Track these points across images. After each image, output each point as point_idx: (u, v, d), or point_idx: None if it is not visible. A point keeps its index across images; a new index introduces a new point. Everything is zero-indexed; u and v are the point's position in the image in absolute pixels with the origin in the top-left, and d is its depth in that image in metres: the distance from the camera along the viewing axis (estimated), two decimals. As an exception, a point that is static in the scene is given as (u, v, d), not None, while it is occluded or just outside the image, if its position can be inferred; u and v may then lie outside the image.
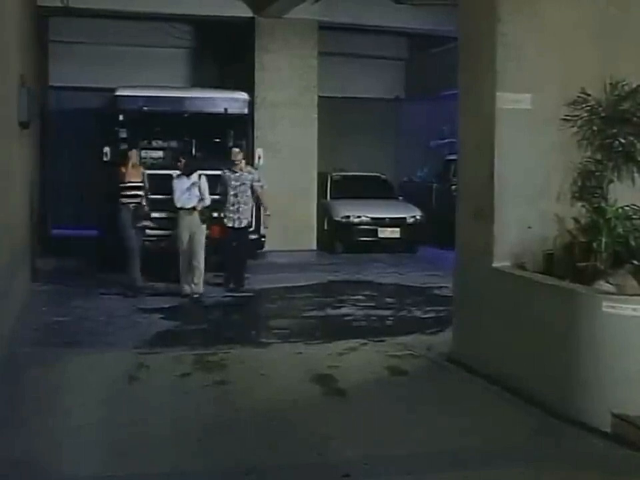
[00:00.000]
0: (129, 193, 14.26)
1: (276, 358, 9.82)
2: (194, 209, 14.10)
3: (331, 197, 21.66)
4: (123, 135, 15.93)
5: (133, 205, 14.21)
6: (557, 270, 8.23)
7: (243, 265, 15.61)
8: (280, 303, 14.14)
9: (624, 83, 8.69)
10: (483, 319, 8.88)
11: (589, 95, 8.68)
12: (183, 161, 14.47)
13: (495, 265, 8.77)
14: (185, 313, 12.96)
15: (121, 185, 14.30)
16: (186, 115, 16.43)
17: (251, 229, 15.68)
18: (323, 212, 20.94)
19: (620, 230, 7.92)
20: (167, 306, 13.05)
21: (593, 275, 7.68)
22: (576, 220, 8.47)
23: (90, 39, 22.33)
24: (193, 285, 14.02)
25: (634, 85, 8.68)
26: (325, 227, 20.94)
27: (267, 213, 15.40)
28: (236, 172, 14.91)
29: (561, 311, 7.57)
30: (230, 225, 14.91)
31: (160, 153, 17.00)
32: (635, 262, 7.65)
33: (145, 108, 15.80)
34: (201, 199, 14.14)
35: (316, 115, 20.90)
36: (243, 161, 15.14)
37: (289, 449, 6.84)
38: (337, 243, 20.70)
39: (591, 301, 7.29)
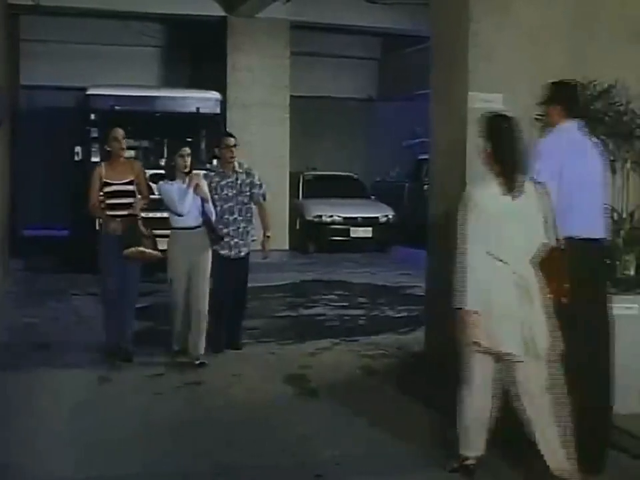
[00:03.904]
0: (111, 201, 9.31)
1: (249, 358, 9.79)
2: (198, 227, 9.43)
3: (303, 197, 21.65)
4: (95, 134, 15.85)
5: (117, 220, 9.28)
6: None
7: (241, 313, 10.44)
8: (252, 303, 14.04)
9: (595, 82, 8.72)
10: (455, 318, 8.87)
11: (560, 95, 8.70)
12: (181, 159, 9.43)
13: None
14: (160, 314, 12.90)
15: (102, 190, 9.36)
16: (158, 115, 16.39)
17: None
18: (295, 212, 20.94)
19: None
20: (139, 306, 12.98)
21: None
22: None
23: (61, 38, 22.25)
24: (190, 344, 9.36)
25: (605, 85, 8.72)
26: (297, 227, 20.93)
27: (268, 234, 10.37)
28: (228, 175, 10.04)
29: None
30: (224, 252, 9.89)
31: (131, 153, 16.92)
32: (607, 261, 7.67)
33: (117, 107, 15.73)
34: (204, 212, 9.47)
35: (288, 115, 20.92)
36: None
37: (261, 450, 6.82)
38: (309, 243, 20.69)
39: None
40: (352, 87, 26.41)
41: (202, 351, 9.35)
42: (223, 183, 9.98)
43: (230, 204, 9.97)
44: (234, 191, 10.02)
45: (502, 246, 5.78)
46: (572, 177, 6.20)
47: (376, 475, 6.40)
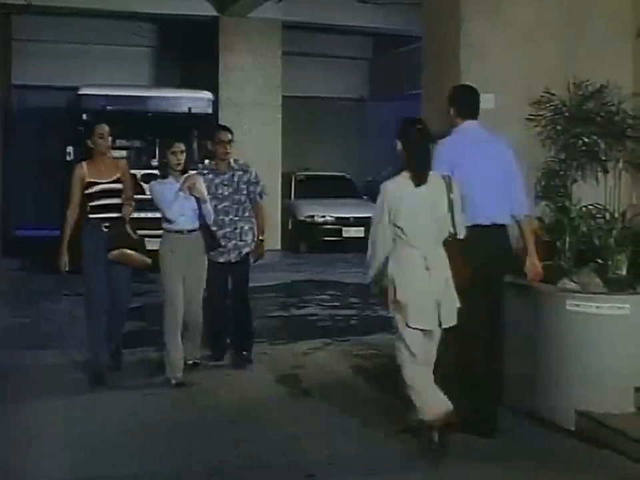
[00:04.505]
0: (97, 202, 8.62)
1: (241, 358, 9.77)
2: (193, 230, 8.67)
3: (295, 197, 21.66)
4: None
5: (105, 223, 8.59)
6: (520, 269, 8.24)
7: (248, 319, 9.63)
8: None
9: (588, 82, 8.74)
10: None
11: (553, 95, 8.73)
12: (173, 156, 8.65)
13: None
14: (152, 314, 12.89)
15: (85, 190, 8.67)
16: (149, 115, 16.37)
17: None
18: (287, 212, 20.94)
19: (584, 229, 7.95)
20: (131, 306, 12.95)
21: (556, 273, 7.70)
22: (540, 219, 8.50)
23: (53, 37, 22.22)
24: (185, 352, 8.77)
25: (598, 85, 8.74)
26: (290, 227, 20.93)
27: (262, 237, 9.55)
28: (223, 172, 9.30)
29: (525, 310, 7.59)
30: (221, 259, 9.20)
31: (123, 153, 16.90)
32: (599, 260, 7.69)
33: (109, 107, 15.71)
34: (201, 215, 8.71)
35: (280, 115, 20.92)
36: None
37: (254, 450, 6.81)
38: (301, 243, 20.71)
39: (555, 300, 7.31)
40: (344, 86, 26.41)
41: (199, 355, 9.14)
42: (217, 180, 9.23)
43: (225, 203, 9.23)
44: (230, 190, 9.26)
45: (412, 232, 6.46)
46: (471, 171, 6.94)
47: (368, 475, 6.40)
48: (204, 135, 16.38)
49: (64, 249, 8.63)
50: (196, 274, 8.72)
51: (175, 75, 23.16)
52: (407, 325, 6.48)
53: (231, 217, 9.25)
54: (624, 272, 7.63)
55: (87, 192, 8.61)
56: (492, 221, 7.03)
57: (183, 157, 8.63)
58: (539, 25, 8.87)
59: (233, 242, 9.23)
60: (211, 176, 9.24)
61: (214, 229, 8.92)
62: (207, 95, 17.42)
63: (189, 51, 22.65)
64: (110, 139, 8.80)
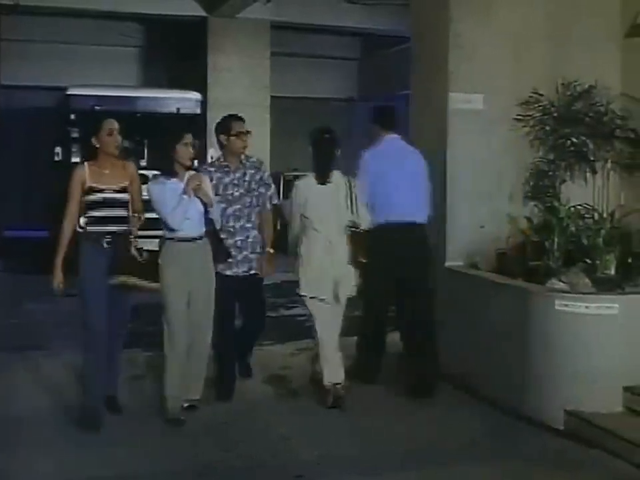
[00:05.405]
0: (98, 213, 7.23)
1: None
2: (199, 238, 7.37)
3: (283, 197, 21.60)
4: (75, 134, 15.80)
5: (107, 238, 7.21)
6: (509, 269, 8.26)
7: (256, 337, 8.82)
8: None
9: (576, 83, 8.76)
10: (436, 318, 8.89)
11: (541, 95, 8.75)
12: (185, 148, 7.40)
13: (447, 264, 8.80)
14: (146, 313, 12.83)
15: (85, 197, 7.25)
16: (138, 115, 16.33)
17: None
18: (276, 212, 20.88)
19: (572, 229, 7.98)
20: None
21: (545, 273, 7.72)
22: (528, 219, 8.52)
23: (42, 38, 22.11)
24: (183, 388, 7.49)
25: (586, 86, 8.76)
26: (278, 227, 20.89)
27: (270, 249, 8.31)
28: (232, 170, 8.08)
29: (514, 310, 7.60)
30: (231, 272, 7.95)
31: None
32: (588, 260, 7.70)
33: (97, 107, 15.67)
34: (208, 219, 7.45)
35: (268, 115, 20.87)
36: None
37: (242, 450, 6.80)
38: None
39: (544, 300, 7.33)
40: (332, 87, 26.38)
41: (197, 395, 7.68)
42: (227, 180, 7.99)
43: (236, 207, 8.00)
44: (241, 190, 8.02)
45: (318, 220, 7.74)
46: (389, 177, 8.23)
47: (356, 475, 6.41)
48: (192, 135, 16.39)
49: (58, 267, 7.23)
50: (204, 291, 7.43)
51: (164, 75, 23.10)
52: (300, 294, 7.90)
53: (242, 222, 8.04)
54: (612, 272, 7.65)
55: (85, 198, 7.22)
56: (404, 219, 8.14)
57: (193, 150, 7.42)
58: (528, 26, 8.89)
59: (244, 253, 8.03)
60: (219, 174, 8.01)
61: (223, 236, 7.75)
62: (196, 95, 17.42)
63: (178, 52, 22.60)
64: (120, 137, 7.63)
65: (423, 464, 6.49)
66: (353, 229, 7.88)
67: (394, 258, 8.13)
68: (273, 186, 8.34)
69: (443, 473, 6.39)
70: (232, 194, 7.99)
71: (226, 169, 8.03)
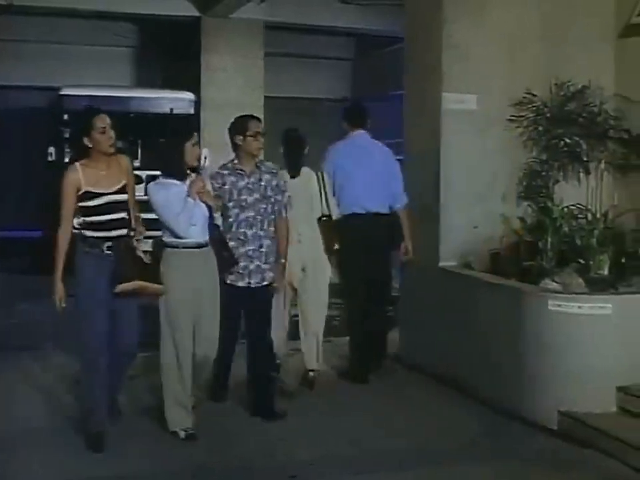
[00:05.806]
0: (94, 218, 6.62)
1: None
2: (204, 245, 6.93)
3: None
4: (68, 134, 15.77)
5: (107, 244, 6.63)
6: (503, 269, 8.27)
7: (273, 362, 8.23)
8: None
9: (570, 83, 8.77)
10: (430, 318, 8.91)
11: (534, 96, 8.76)
12: (193, 147, 7.04)
13: (441, 264, 8.80)
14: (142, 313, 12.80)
15: (80, 202, 6.61)
16: (131, 115, 16.32)
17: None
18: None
19: (566, 229, 7.99)
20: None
21: (538, 273, 7.73)
22: (522, 219, 8.53)
23: (35, 38, 22.05)
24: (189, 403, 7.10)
25: (580, 86, 8.77)
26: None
27: (284, 260, 7.69)
28: (247, 174, 7.59)
29: (507, 310, 7.62)
30: (241, 284, 7.48)
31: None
32: (581, 260, 7.71)
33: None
34: (216, 224, 7.14)
35: (262, 115, 20.82)
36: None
37: (236, 451, 6.81)
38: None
39: (537, 300, 7.34)
40: (326, 87, 26.34)
41: (192, 402, 7.20)
42: (241, 184, 7.49)
43: (249, 213, 7.46)
44: (256, 195, 7.49)
45: (290, 212, 7.81)
46: (354, 170, 8.69)
47: (350, 475, 6.42)
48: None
49: (58, 280, 6.56)
50: (210, 302, 6.99)
51: (157, 75, 23.05)
52: None
53: (254, 230, 7.47)
54: (606, 272, 7.67)
55: (82, 204, 6.59)
56: (367, 210, 8.65)
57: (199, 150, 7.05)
58: (522, 26, 8.90)
59: (257, 263, 7.48)
60: (233, 178, 7.53)
61: (232, 244, 7.34)
62: (189, 95, 17.43)
63: (171, 52, 22.55)
64: (113, 133, 7.00)
65: (418, 464, 6.51)
66: (324, 219, 8.50)
67: (360, 246, 8.64)
68: (287, 193, 7.70)
69: (439, 472, 6.41)
70: (246, 199, 7.47)
71: (240, 172, 7.54)
